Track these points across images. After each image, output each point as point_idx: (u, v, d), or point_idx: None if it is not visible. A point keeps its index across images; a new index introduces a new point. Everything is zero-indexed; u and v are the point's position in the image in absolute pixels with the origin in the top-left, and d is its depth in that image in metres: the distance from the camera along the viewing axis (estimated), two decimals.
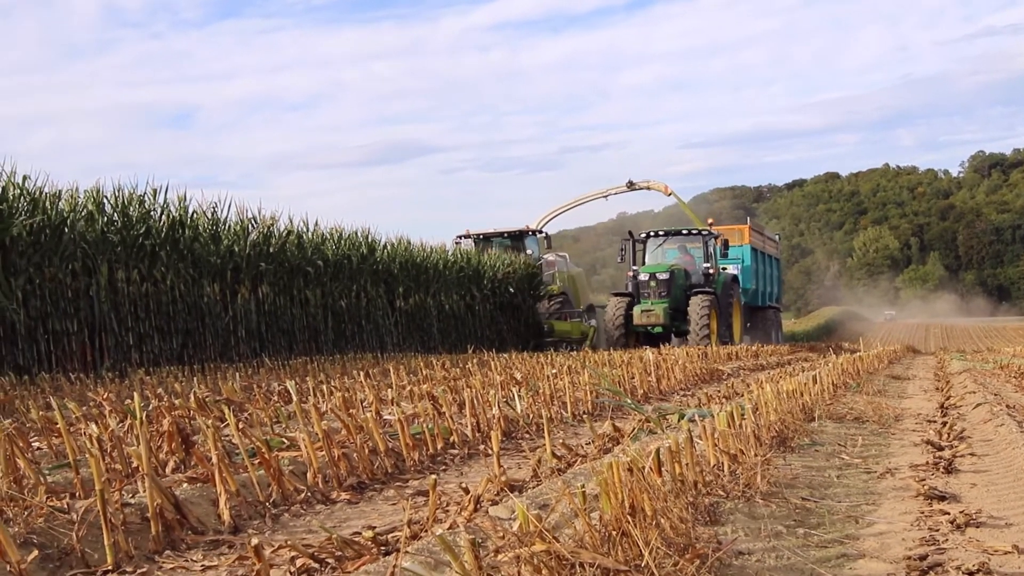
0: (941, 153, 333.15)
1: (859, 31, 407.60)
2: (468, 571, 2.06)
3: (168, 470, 4.83)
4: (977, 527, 3.66)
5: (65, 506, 3.63)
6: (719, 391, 9.55)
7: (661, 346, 18.73)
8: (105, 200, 14.32)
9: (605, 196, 35.43)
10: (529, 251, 28.37)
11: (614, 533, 2.60)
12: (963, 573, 2.99)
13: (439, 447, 5.76)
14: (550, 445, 5.20)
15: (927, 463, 5.24)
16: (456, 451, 5.83)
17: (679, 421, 6.44)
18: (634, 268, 25.33)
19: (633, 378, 9.74)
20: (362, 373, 10.95)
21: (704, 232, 26.41)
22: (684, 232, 26.96)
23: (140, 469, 4.24)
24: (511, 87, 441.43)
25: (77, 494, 4.07)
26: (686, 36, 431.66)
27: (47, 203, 13.10)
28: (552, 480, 4.34)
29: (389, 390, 8.51)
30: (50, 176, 13.57)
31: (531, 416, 7.02)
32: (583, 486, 2.86)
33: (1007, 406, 7.78)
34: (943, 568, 3.09)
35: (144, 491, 3.78)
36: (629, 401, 8.34)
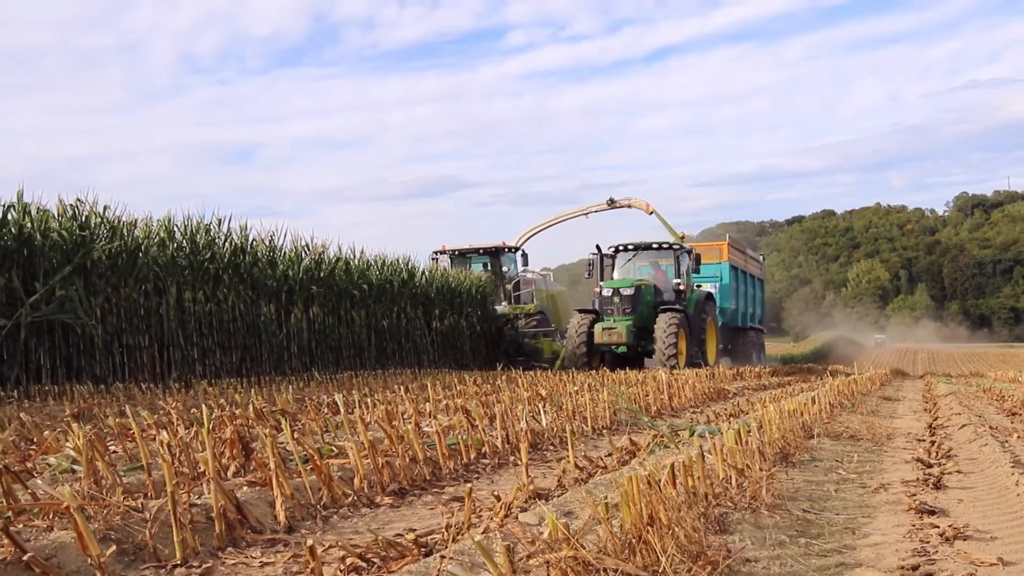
0: (928, 194, 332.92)
1: (856, 83, 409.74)
2: (503, 574, 2.06)
3: (230, 474, 4.84)
4: (965, 540, 3.60)
5: (139, 505, 3.64)
6: (726, 409, 9.47)
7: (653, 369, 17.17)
8: (175, 228, 14.50)
9: (586, 214, 30.71)
10: (505, 268, 25.44)
11: (634, 541, 2.59)
12: None
13: (472, 457, 5.74)
14: (573, 457, 5.17)
15: (917, 479, 5.17)
16: (487, 461, 5.80)
17: (690, 436, 6.40)
18: (600, 284, 21.59)
19: (647, 396, 9.67)
20: (402, 387, 10.96)
21: (676, 246, 22.28)
22: (655, 246, 22.39)
23: (206, 473, 4.26)
24: (539, 129, 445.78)
25: (149, 494, 4.09)
26: (698, 86, 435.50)
27: (124, 230, 13.26)
28: (576, 489, 4.31)
29: (427, 403, 8.50)
30: (127, 206, 13.78)
31: (555, 429, 6.98)
32: (606, 497, 2.85)
33: (990, 427, 7.68)
34: None
35: (209, 493, 3.80)
36: (645, 418, 8.28)
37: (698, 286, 23.02)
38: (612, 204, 30.19)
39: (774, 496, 4.21)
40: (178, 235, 14.45)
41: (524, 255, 26.36)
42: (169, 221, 14.40)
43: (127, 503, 3.62)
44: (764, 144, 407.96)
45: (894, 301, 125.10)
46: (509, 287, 24.69)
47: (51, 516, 3.53)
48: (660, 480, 3.21)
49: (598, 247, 22.45)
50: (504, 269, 25.37)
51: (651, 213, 29.45)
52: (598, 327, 20.18)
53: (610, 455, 5.75)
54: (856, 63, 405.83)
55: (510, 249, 26.30)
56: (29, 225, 11.77)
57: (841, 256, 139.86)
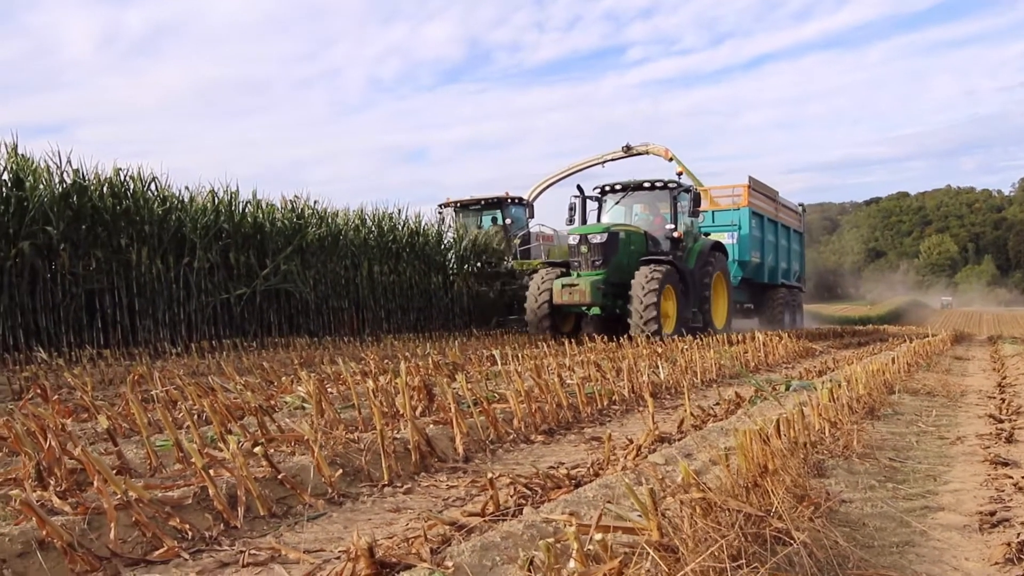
0: (997, 176, 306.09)
1: (933, 79, 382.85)
2: (648, 511, 2.09)
3: (417, 414, 5.03)
4: None
5: (355, 438, 3.85)
6: (814, 366, 9.10)
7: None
8: (366, 217, 15.05)
9: (602, 163, 23.22)
10: (509, 220, 19.19)
11: (750, 485, 2.57)
12: None
13: (605, 404, 5.75)
14: (689, 406, 5.12)
15: (990, 433, 4.84)
16: (617, 407, 5.81)
17: (786, 390, 6.22)
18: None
19: (746, 353, 9.40)
20: (545, 344, 11.05)
21: (672, 184, 14.22)
22: (647, 185, 14.33)
23: (402, 414, 4.46)
24: (652, 128, 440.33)
25: (360, 429, 4.31)
26: (791, 87, 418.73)
27: (329, 219, 13.88)
28: (692, 434, 4.28)
29: (565, 358, 8.55)
30: (330, 199, 14.42)
31: (670, 382, 6.91)
32: (724, 446, 2.82)
33: None
34: (1010, 523, 2.87)
35: (405, 429, 3.97)
36: (750, 375, 8.07)
37: (705, 235, 15.92)
38: (628, 151, 22.97)
39: (863, 446, 4.05)
40: (368, 222, 15.01)
41: (530, 207, 20.12)
42: (362, 211, 15.01)
43: (347, 436, 3.84)
44: (847, 135, 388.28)
45: (962, 270, 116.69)
46: (517, 241, 18.80)
47: (292, 444, 3.78)
48: (767, 433, 3.15)
49: (579, 188, 14.79)
50: (508, 222, 19.20)
51: (671, 160, 21.98)
52: (556, 284, 12.95)
53: (718, 404, 5.66)
54: (932, 63, 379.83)
55: (513, 200, 19.77)
56: (260, 216, 12.50)
57: (914, 232, 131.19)
